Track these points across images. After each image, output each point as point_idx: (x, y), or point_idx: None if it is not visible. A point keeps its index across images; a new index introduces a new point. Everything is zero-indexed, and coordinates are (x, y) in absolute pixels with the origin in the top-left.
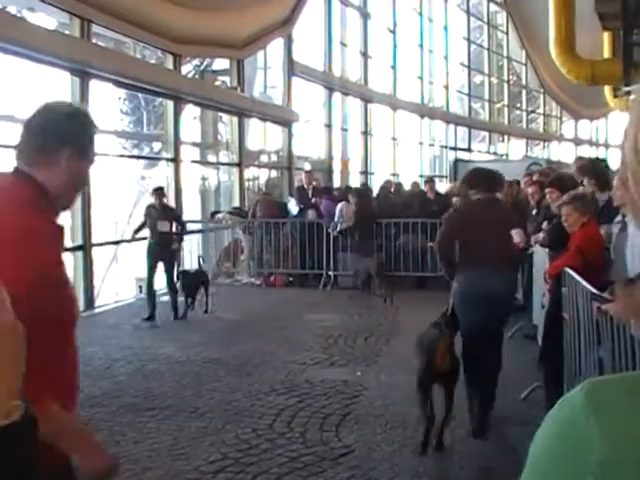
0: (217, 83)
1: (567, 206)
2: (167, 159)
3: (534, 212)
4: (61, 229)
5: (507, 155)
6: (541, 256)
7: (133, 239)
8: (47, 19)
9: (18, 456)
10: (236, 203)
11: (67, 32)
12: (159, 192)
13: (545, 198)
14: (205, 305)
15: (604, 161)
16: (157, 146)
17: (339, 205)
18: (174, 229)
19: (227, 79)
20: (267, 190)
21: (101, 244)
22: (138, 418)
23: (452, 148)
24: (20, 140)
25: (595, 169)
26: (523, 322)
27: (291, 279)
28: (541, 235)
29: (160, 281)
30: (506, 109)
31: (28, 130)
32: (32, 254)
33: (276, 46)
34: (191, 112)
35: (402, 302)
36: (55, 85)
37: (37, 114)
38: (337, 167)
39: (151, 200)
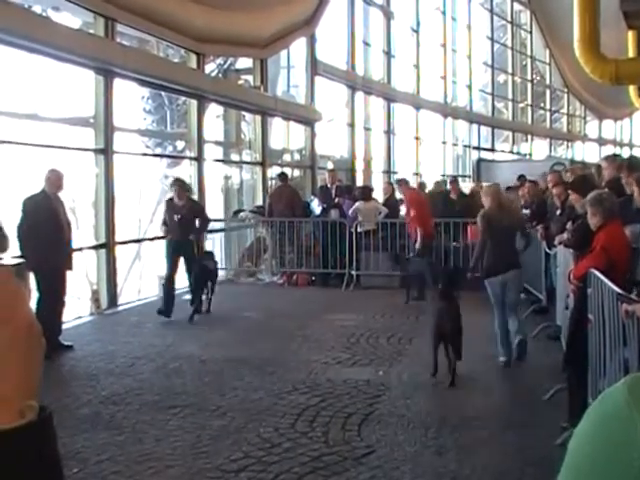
0: (240, 82)
1: (591, 206)
2: (190, 158)
3: (558, 212)
4: None
5: (530, 155)
6: (565, 256)
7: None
8: (72, 18)
9: (35, 456)
10: (259, 202)
11: (91, 31)
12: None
13: (570, 198)
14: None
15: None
16: (180, 145)
17: (356, 204)
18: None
19: (250, 78)
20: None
21: (124, 242)
22: (160, 416)
23: (475, 148)
24: None
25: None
26: (547, 323)
27: (313, 278)
28: (565, 235)
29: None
30: (530, 109)
31: None
32: None
33: (299, 45)
34: (214, 111)
35: (425, 302)
36: (79, 84)
37: None
38: (360, 166)
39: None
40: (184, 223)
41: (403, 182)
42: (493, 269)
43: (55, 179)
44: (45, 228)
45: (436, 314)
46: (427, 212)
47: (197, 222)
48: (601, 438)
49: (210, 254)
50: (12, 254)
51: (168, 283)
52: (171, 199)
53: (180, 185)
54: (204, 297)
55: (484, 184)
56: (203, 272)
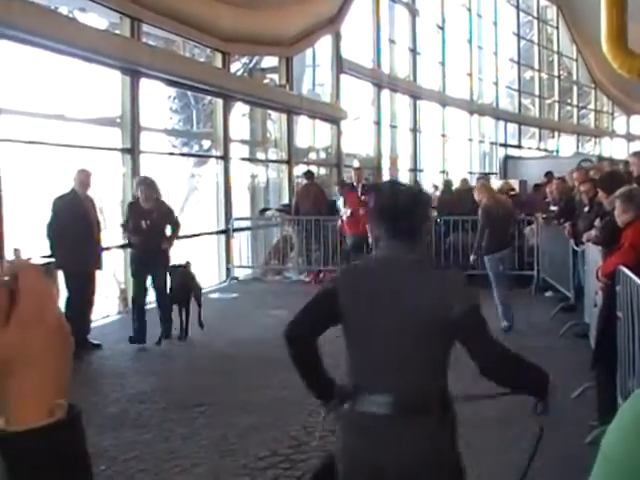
0: (266, 81)
1: (622, 202)
2: (216, 157)
3: (586, 209)
4: None
5: (558, 152)
6: (593, 253)
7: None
8: (98, 19)
9: (64, 454)
10: (285, 200)
11: (117, 32)
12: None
13: (598, 195)
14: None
15: None
16: (207, 144)
17: None
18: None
19: (276, 77)
20: (307, 175)
21: None
22: (187, 414)
23: (502, 145)
24: None
25: None
26: (575, 321)
27: None
28: (593, 232)
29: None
30: (557, 105)
31: None
32: None
33: (324, 43)
34: (240, 110)
35: None
36: (106, 84)
37: None
38: (386, 164)
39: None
40: (154, 230)
41: (344, 184)
42: (493, 247)
43: (83, 178)
44: (75, 228)
45: None
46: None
47: (168, 229)
48: (635, 436)
49: (185, 267)
50: (42, 254)
51: (138, 304)
52: (136, 201)
53: (148, 185)
54: (175, 318)
55: (509, 181)
56: (181, 288)
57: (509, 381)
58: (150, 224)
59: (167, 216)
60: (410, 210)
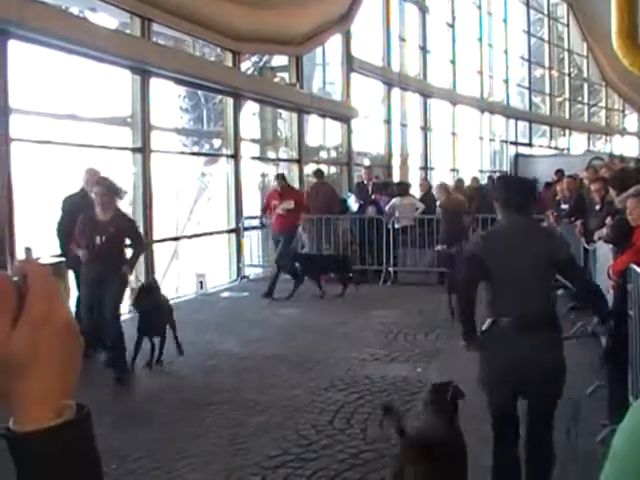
0: (276, 80)
1: (632, 199)
2: (227, 155)
3: (597, 207)
4: None
5: (568, 149)
6: (604, 252)
7: None
8: (108, 19)
9: (73, 455)
10: None
11: (128, 31)
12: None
13: (609, 193)
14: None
15: None
16: (217, 143)
17: (392, 200)
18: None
19: (286, 75)
20: (317, 174)
21: (162, 240)
22: (198, 413)
23: (512, 143)
24: None
25: None
26: (585, 320)
27: (351, 275)
28: (604, 231)
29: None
30: (567, 103)
31: None
32: None
33: (334, 42)
34: (250, 109)
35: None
36: (116, 84)
37: None
38: (396, 163)
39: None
40: (109, 247)
41: (282, 179)
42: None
43: (90, 178)
44: None
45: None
46: None
47: (126, 244)
48: None
49: (152, 290)
50: (53, 253)
51: (91, 331)
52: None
53: (107, 188)
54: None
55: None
56: (154, 315)
57: (593, 303)
58: (105, 241)
59: (127, 231)
60: (526, 191)
